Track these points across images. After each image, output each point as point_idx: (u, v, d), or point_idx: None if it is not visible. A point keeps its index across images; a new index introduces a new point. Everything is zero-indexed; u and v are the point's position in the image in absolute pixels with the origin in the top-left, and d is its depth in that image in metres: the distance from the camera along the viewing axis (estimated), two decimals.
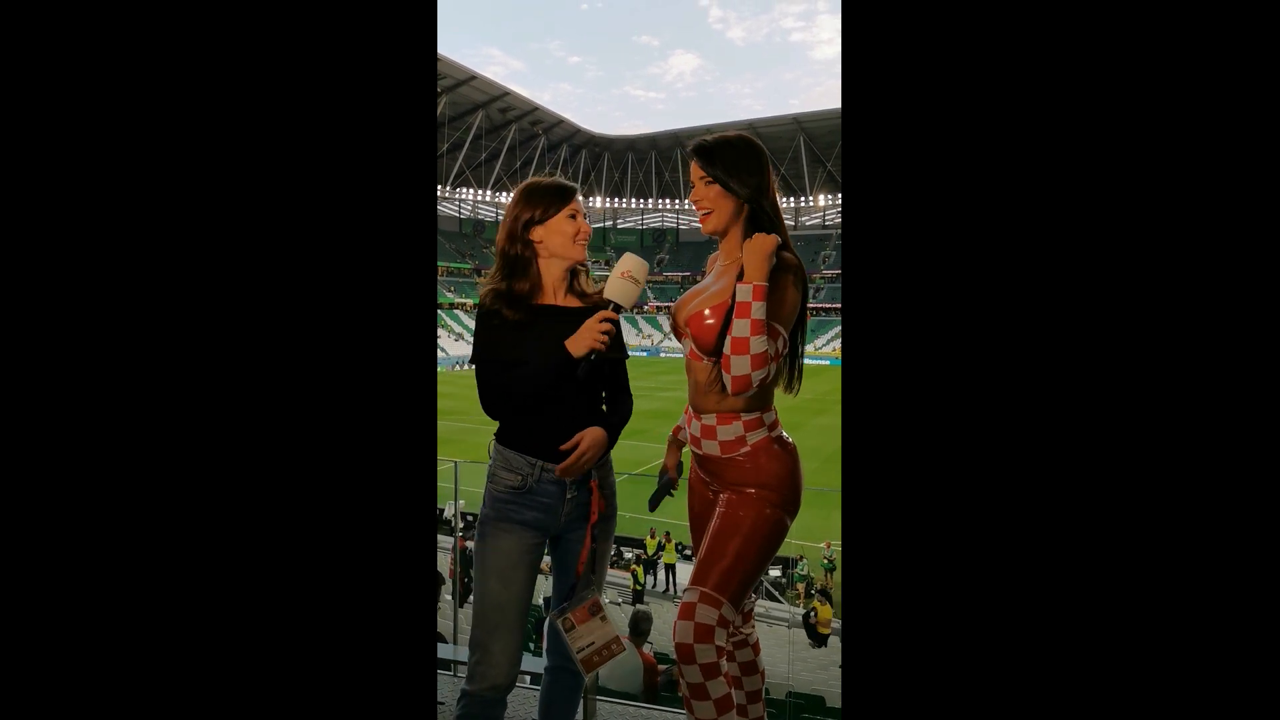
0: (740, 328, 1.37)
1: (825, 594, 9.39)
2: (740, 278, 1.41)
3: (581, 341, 1.42)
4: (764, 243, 1.39)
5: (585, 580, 1.52)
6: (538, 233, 1.50)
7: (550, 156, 52.59)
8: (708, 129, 52.02)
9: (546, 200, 1.50)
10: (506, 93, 47.19)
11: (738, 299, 1.38)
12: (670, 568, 11.53)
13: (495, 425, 1.52)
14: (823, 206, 54.25)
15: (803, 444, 1.61)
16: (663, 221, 62.44)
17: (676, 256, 58.33)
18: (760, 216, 1.48)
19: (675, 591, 11.25)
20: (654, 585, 11.36)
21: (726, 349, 1.38)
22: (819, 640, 8.71)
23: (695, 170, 1.52)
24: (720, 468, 1.53)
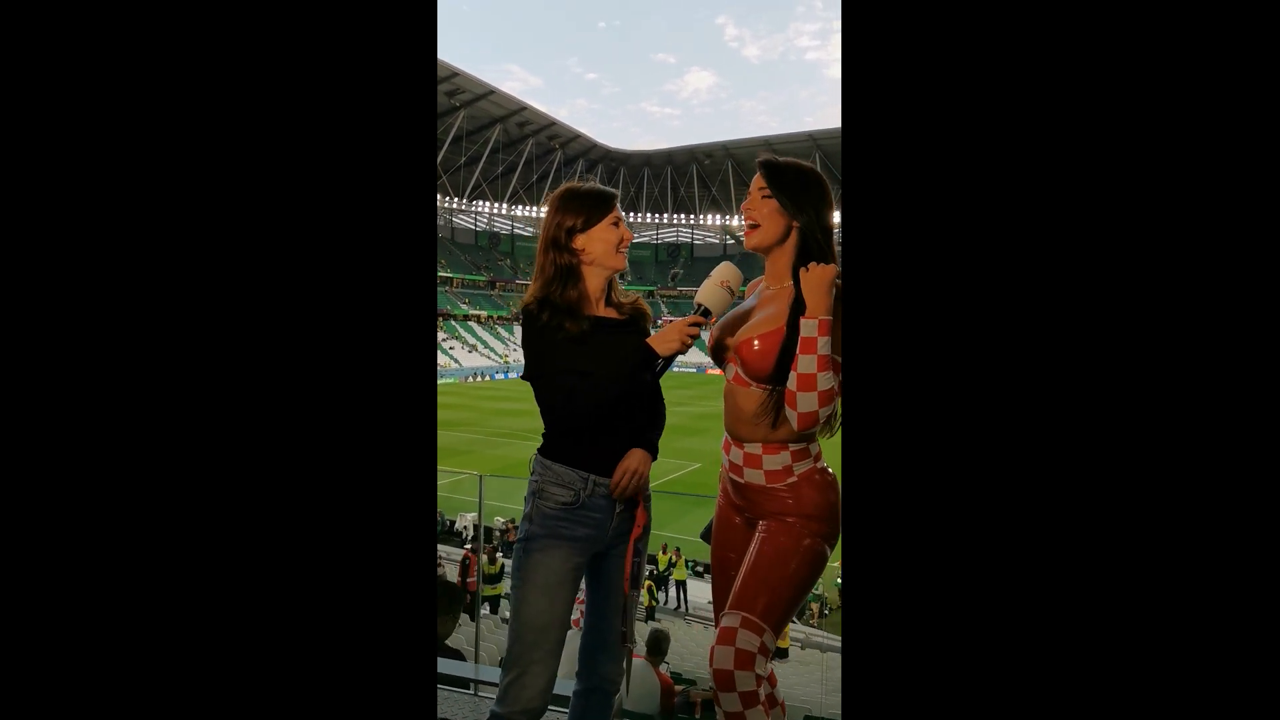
0: (807, 364, 1.35)
1: None
2: (800, 309, 1.38)
3: (669, 342, 1.40)
4: (824, 274, 1.37)
5: (632, 597, 1.51)
6: (580, 240, 1.47)
7: (567, 171, 53.09)
8: (724, 145, 52.58)
9: (589, 208, 1.47)
10: (524, 107, 47.77)
11: (803, 334, 1.36)
12: (681, 584, 11.43)
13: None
14: (839, 224, 54.26)
15: None
16: (677, 236, 62.78)
17: (691, 271, 58.56)
18: (811, 245, 1.46)
19: (686, 609, 11.16)
20: (665, 602, 11.26)
21: (792, 385, 1.37)
22: (778, 653, 8.57)
23: (756, 182, 1.50)
24: (761, 497, 1.50)
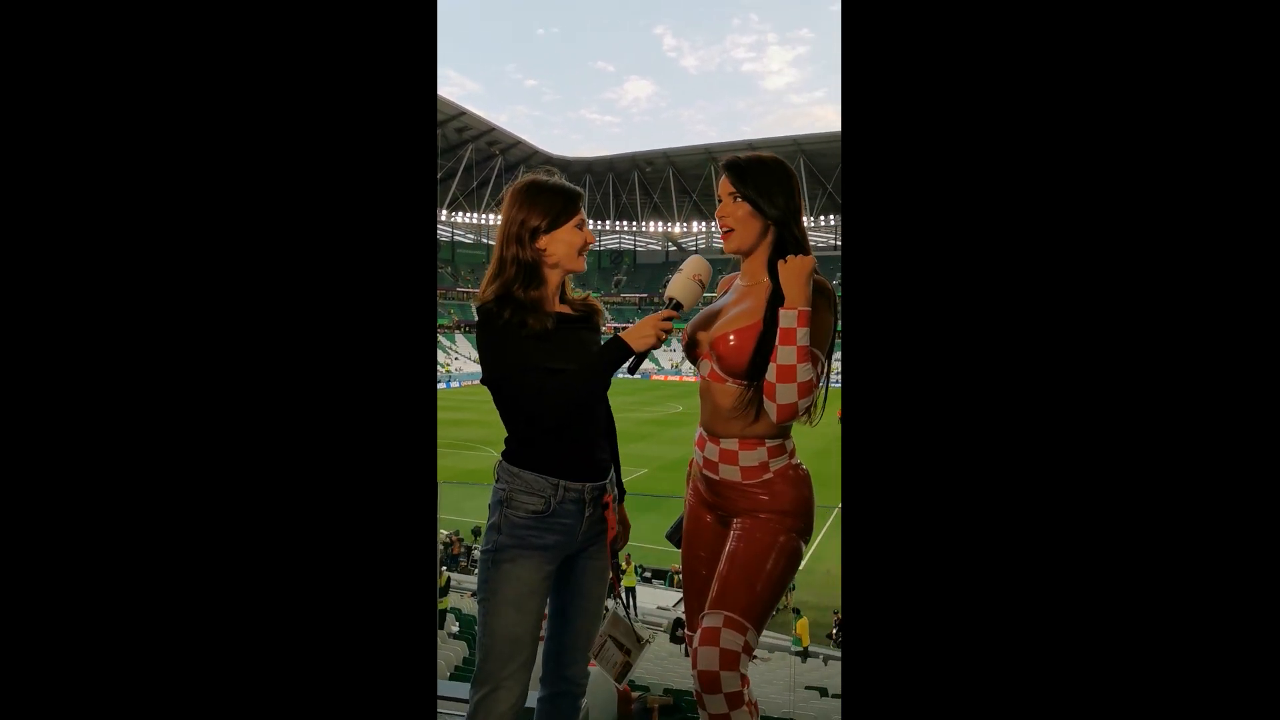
0: (786, 355, 1.35)
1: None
2: (779, 302, 1.39)
3: (644, 338, 1.37)
4: (802, 265, 1.37)
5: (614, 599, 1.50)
6: (543, 241, 1.43)
7: (508, 177, 52.55)
8: (665, 152, 52.92)
9: (555, 209, 1.43)
10: (463, 112, 47.07)
11: (782, 325, 1.36)
12: (630, 591, 11.38)
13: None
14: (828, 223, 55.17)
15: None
16: (620, 243, 62.83)
17: (634, 279, 58.71)
18: (787, 239, 1.46)
19: (635, 615, 11.10)
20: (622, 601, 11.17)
21: (771, 377, 1.36)
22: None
23: (725, 186, 1.49)
24: (736, 494, 1.49)
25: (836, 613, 10.56)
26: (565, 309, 1.49)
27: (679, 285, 1.45)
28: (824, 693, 6.74)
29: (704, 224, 55.81)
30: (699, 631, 1.39)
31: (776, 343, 1.36)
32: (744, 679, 1.34)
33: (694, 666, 1.35)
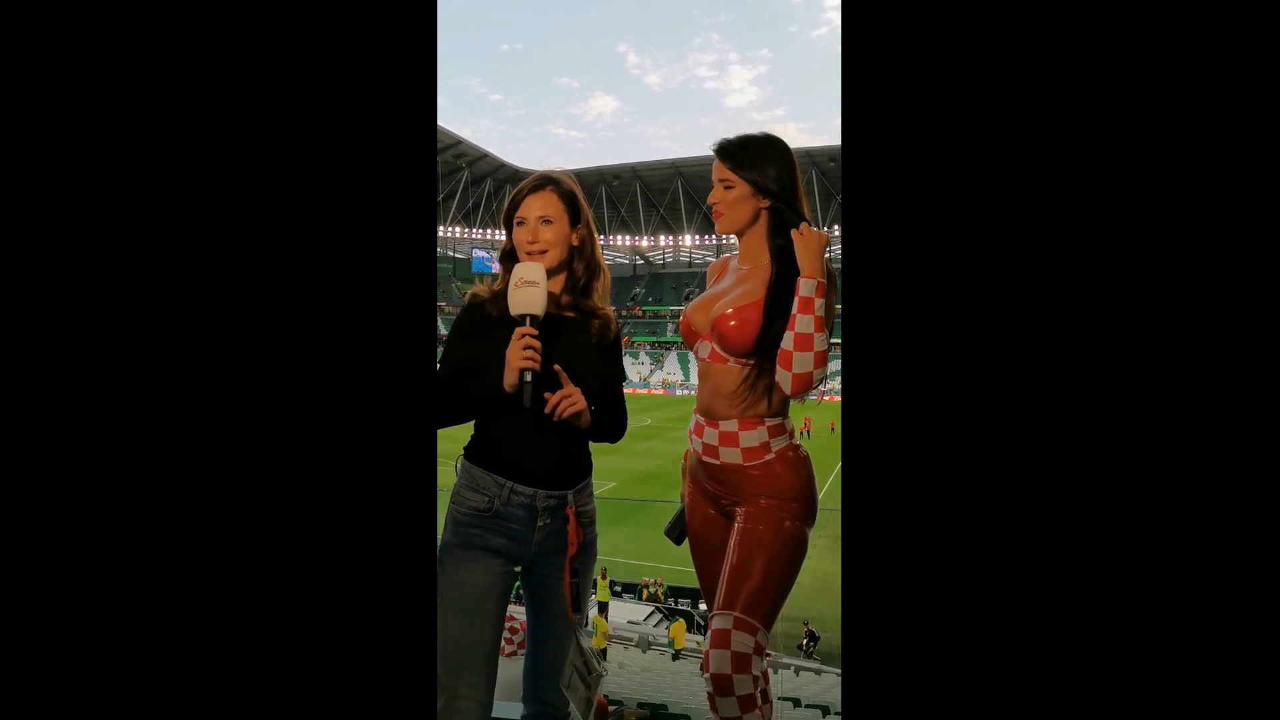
0: (804, 324, 1.34)
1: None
2: (784, 277, 1.39)
3: (509, 371, 1.29)
4: (817, 239, 1.37)
5: (577, 621, 1.44)
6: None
7: (474, 190, 52.31)
8: (632, 166, 53.18)
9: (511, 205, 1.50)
10: None
11: (801, 294, 1.35)
12: (603, 606, 11.23)
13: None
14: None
15: None
16: None
17: None
18: (785, 214, 1.45)
19: (609, 630, 11.05)
20: (587, 624, 11.07)
21: (788, 345, 1.35)
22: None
23: (717, 171, 1.50)
24: (737, 478, 1.46)
25: (806, 623, 10.60)
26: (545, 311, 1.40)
27: (514, 298, 1.31)
28: (797, 703, 6.76)
29: (671, 237, 56.12)
30: (709, 634, 1.37)
31: (795, 310, 1.35)
32: (756, 680, 1.33)
33: (705, 669, 1.34)
